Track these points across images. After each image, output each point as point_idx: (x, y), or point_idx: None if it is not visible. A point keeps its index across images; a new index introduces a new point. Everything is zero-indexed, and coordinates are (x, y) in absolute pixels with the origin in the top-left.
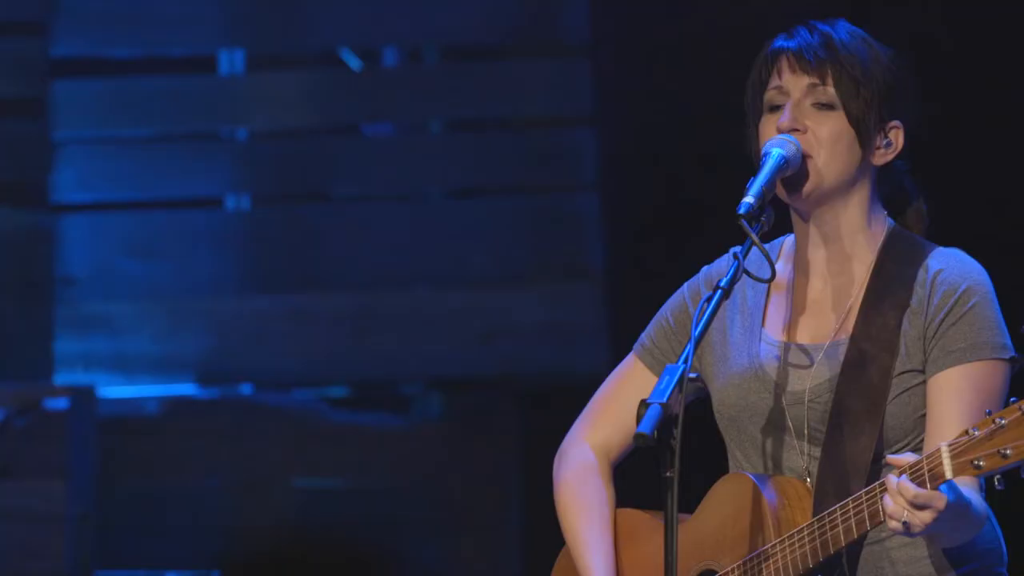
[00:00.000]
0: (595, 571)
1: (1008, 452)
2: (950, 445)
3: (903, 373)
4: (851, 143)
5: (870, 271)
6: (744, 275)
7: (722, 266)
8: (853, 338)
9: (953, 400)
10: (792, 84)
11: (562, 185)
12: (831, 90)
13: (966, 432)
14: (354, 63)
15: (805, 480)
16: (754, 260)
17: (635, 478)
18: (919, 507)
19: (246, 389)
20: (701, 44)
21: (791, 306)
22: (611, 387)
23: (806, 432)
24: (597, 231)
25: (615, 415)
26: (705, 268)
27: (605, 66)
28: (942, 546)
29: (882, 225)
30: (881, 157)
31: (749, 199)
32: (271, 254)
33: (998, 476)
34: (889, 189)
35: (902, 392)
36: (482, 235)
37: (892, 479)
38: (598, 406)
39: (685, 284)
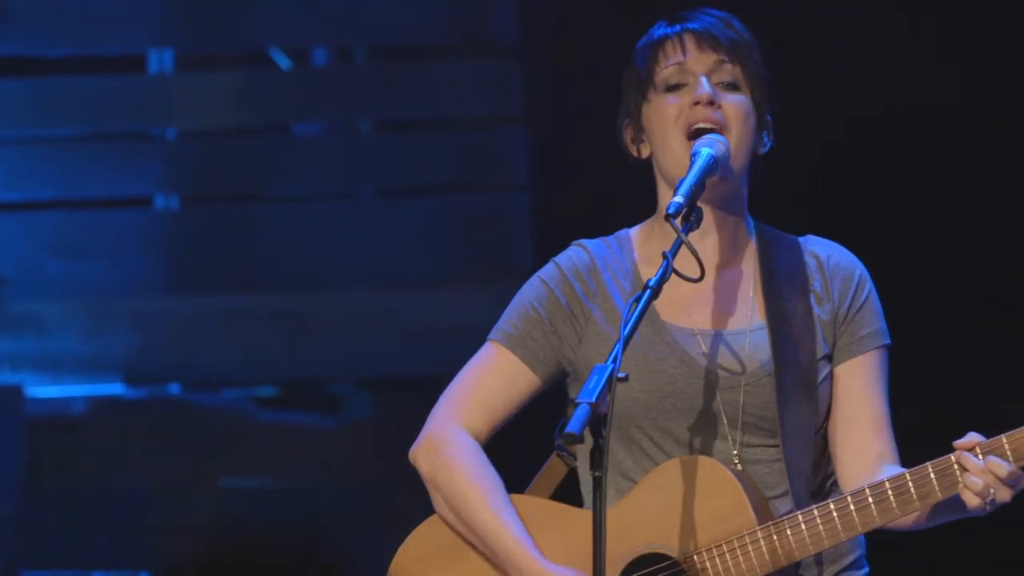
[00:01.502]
0: (525, 546)
1: None
2: None
3: (822, 359)
4: (754, 125)
5: (756, 259)
6: (673, 273)
7: (581, 258)
8: (771, 323)
9: (869, 384)
10: (697, 61)
11: (492, 185)
12: (738, 69)
13: None
14: (284, 63)
15: (735, 466)
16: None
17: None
18: (1009, 484)
19: (174, 389)
20: (630, 43)
21: (681, 295)
22: (477, 375)
23: (740, 418)
24: (527, 231)
25: (487, 404)
26: (560, 260)
27: (535, 66)
28: (933, 525)
29: (749, 217)
30: (761, 149)
31: (678, 199)
32: (200, 254)
33: None
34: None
35: (824, 377)
36: (412, 235)
37: (974, 458)
38: (467, 394)
39: (544, 276)
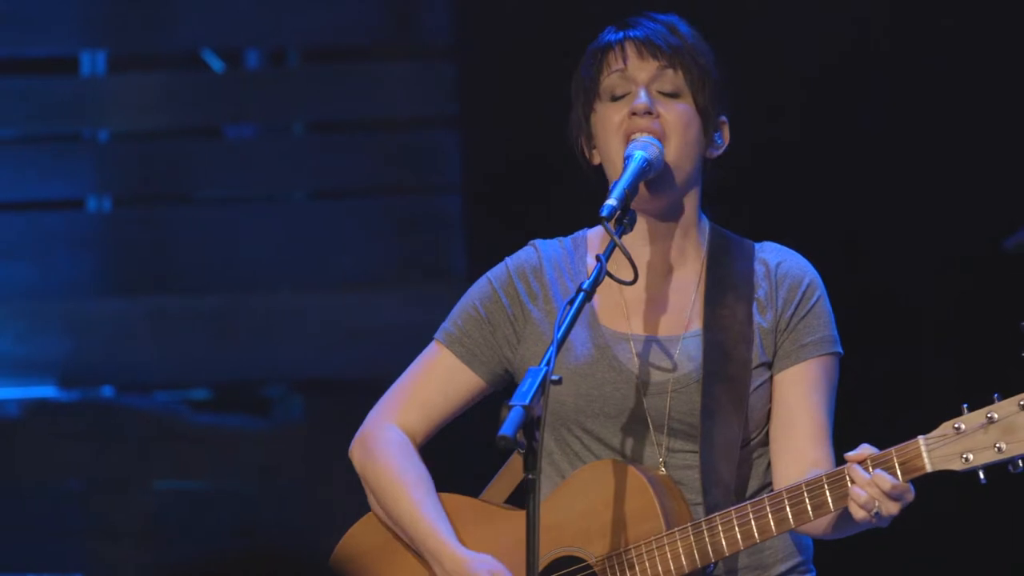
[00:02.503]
0: (445, 537)
1: (1002, 446)
2: (928, 439)
3: (759, 366)
4: (698, 132)
5: (704, 266)
6: (606, 275)
7: (530, 258)
8: (707, 330)
9: (809, 393)
10: (638, 70)
11: (425, 186)
12: (679, 76)
13: (951, 426)
14: (216, 65)
15: (662, 472)
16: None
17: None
18: (893, 498)
19: (107, 391)
20: (564, 45)
21: (624, 299)
22: (417, 375)
23: (666, 424)
24: (459, 232)
25: (423, 404)
26: (509, 260)
27: (468, 68)
28: (840, 536)
29: (704, 221)
30: (714, 152)
31: (612, 201)
32: (133, 256)
33: (982, 471)
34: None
35: (759, 385)
36: (345, 236)
37: (861, 470)
38: (404, 393)
39: (490, 274)
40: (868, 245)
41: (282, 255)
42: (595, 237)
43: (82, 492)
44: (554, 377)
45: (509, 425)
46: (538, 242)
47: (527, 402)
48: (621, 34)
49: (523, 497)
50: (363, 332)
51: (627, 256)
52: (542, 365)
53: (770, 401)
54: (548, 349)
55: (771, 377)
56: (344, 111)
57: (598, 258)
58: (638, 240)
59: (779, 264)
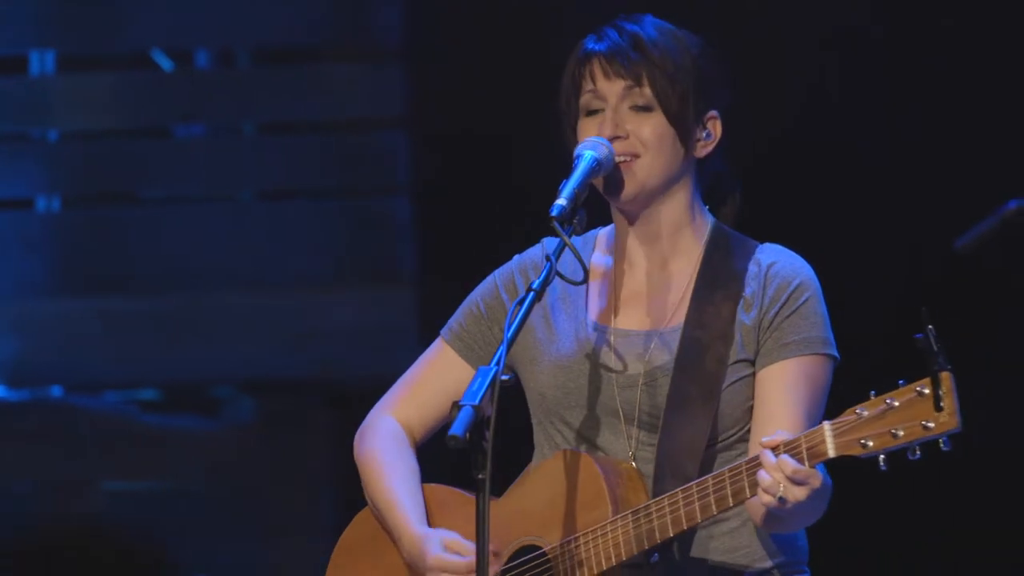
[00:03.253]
0: (411, 520)
1: (899, 432)
2: (833, 424)
3: (737, 362)
4: (673, 141)
5: (698, 264)
6: (556, 276)
7: (536, 255)
8: (687, 326)
9: (787, 391)
10: (607, 89)
11: (374, 188)
12: (647, 91)
13: (853, 412)
14: (166, 64)
15: (631, 463)
16: (567, 260)
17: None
18: (797, 483)
19: (56, 391)
20: (514, 48)
21: (616, 295)
22: (418, 370)
23: (637, 416)
24: (409, 234)
25: (421, 397)
26: (518, 257)
27: (418, 69)
28: (786, 530)
29: (705, 220)
30: (702, 149)
31: (561, 201)
32: (82, 256)
33: (883, 457)
34: (709, 181)
35: (736, 381)
36: (295, 237)
37: (769, 455)
38: (404, 387)
39: (497, 271)
40: (857, 247)
41: (231, 256)
42: (603, 235)
43: (30, 492)
44: (504, 376)
45: (459, 425)
46: (547, 239)
47: (477, 402)
48: (590, 49)
49: None
50: (312, 333)
51: (577, 256)
52: (492, 364)
53: (750, 399)
54: (499, 348)
55: (754, 375)
56: (294, 112)
57: (548, 258)
58: (631, 237)
59: (772, 264)
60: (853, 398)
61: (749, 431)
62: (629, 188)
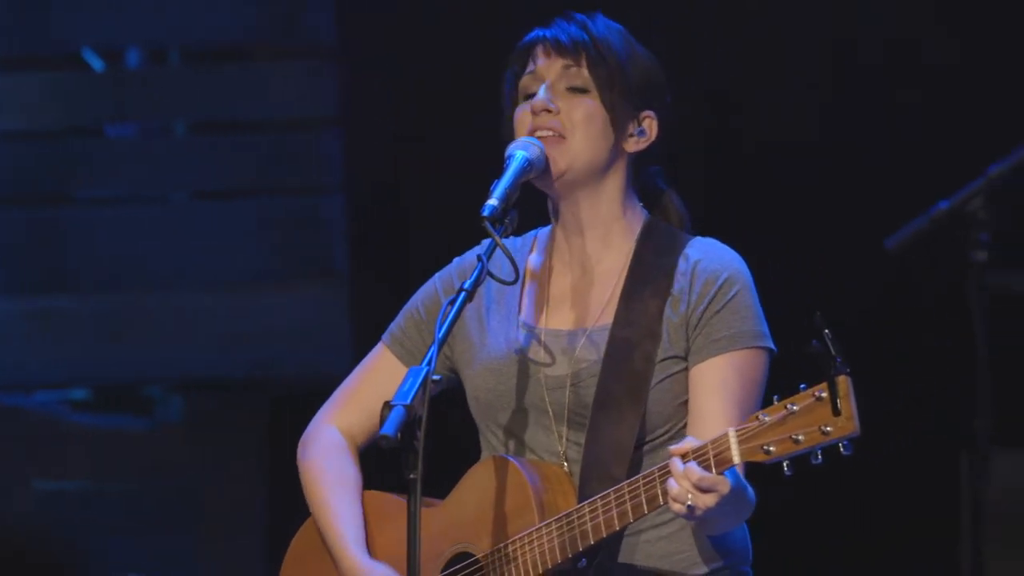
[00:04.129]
0: (347, 540)
1: (800, 438)
2: (738, 431)
3: (665, 359)
4: (604, 126)
5: (628, 260)
6: (488, 276)
7: (474, 258)
8: (615, 324)
9: (718, 388)
10: (547, 68)
11: (308, 187)
12: (585, 72)
13: (756, 417)
14: (97, 64)
15: (562, 465)
16: (499, 260)
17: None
18: (704, 490)
19: None
20: (448, 46)
21: (548, 294)
22: (360, 376)
23: (566, 416)
24: (342, 233)
25: (362, 403)
26: (457, 260)
27: (351, 68)
28: (712, 533)
29: (638, 216)
30: (634, 145)
31: (493, 201)
32: (13, 255)
33: (787, 462)
34: (644, 181)
35: (665, 378)
36: (227, 237)
37: (677, 463)
38: (345, 393)
39: (437, 275)
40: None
41: (164, 255)
42: (540, 237)
43: None
44: (435, 377)
45: (390, 425)
46: (488, 240)
47: (408, 401)
48: (534, 34)
49: None
50: (245, 333)
51: (508, 256)
52: (423, 364)
53: (682, 395)
54: (430, 348)
55: (685, 372)
56: (226, 111)
57: (479, 258)
58: (562, 234)
59: (699, 260)
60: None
61: (681, 429)
62: (558, 166)
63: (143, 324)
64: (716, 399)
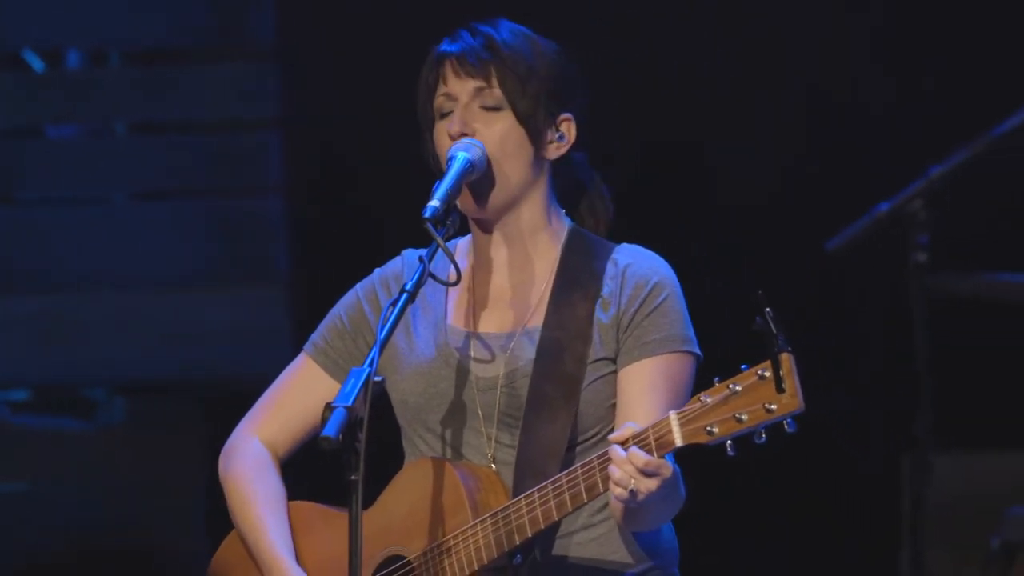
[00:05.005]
0: (277, 549)
1: (743, 417)
2: (679, 413)
3: (597, 361)
4: (521, 141)
5: (555, 266)
6: (429, 277)
7: (396, 267)
8: (546, 327)
9: (646, 390)
10: (458, 89)
11: (248, 188)
12: (497, 91)
13: (698, 399)
14: (37, 65)
15: (490, 467)
16: (438, 262)
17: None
18: (648, 475)
19: None
20: (388, 48)
21: (475, 299)
22: (282, 385)
23: (496, 418)
24: (282, 234)
25: (284, 414)
26: (378, 270)
27: (291, 69)
28: (642, 527)
29: (562, 223)
30: (555, 151)
31: (435, 203)
32: None
33: (730, 442)
34: (564, 183)
35: (596, 379)
36: (168, 238)
37: (618, 449)
38: (267, 404)
39: (358, 285)
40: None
41: (104, 256)
42: (463, 244)
43: None
44: (377, 378)
45: (331, 426)
46: (408, 251)
47: (350, 403)
48: (442, 51)
49: None
50: (185, 334)
51: (450, 257)
52: (364, 366)
53: (613, 397)
54: (371, 350)
55: (615, 374)
56: (166, 112)
57: (420, 259)
58: (488, 242)
59: (629, 264)
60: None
61: (612, 431)
62: (480, 197)
63: (83, 325)
64: (644, 401)
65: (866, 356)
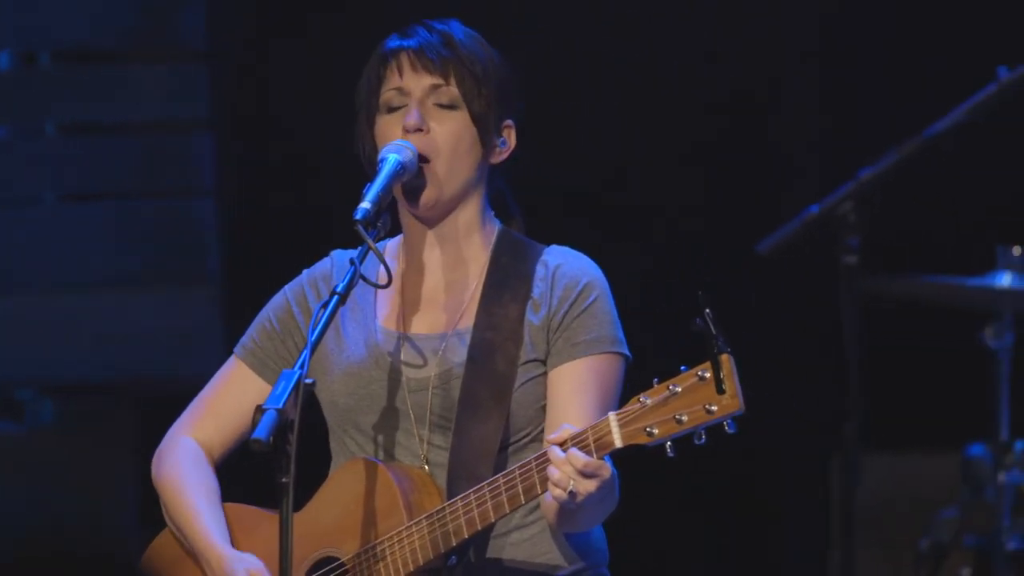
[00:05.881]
0: (213, 536)
1: (683, 418)
2: (619, 414)
3: (527, 362)
4: (473, 142)
5: (486, 268)
6: (360, 279)
7: (325, 268)
8: (476, 328)
9: (577, 391)
10: (414, 84)
11: (179, 190)
12: (453, 89)
13: (638, 400)
14: None
15: (423, 468)
16: (369, 264)
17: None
18: (587, 476)
19: None
20: (319, 48)
21: (406, 300)
22: (213, 388)
23: (428, 419)
24: (214, 236)
25: (216, 416)
26: (306, 271)
27: (222, 70)
28: (576, 528)
29: (493, 225)
30: (497, 156)
31: (366, 204)
32: None
33: (670, 443)
34: (495, 189)
35: (527, 381)
36: (99, 239)
37: (557, 450)
38: (200, 406)
39: (287, 286)
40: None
41: (33, 257)
42: (392, 245)
43: None
44: (307, 380)
45: (262, 428)
46: (337, 251)
47: (280, 405)
48: (397, 45)
49: None
50: (115, 336)
51: (381, 260)
52: (295, 368)
53: (543, 399)
54: (302, 352)
55: (546, 375)
56: (97, 113)
57: (351, 261)
58: (422, 242)
59: (559, 266)
60: None
61: (542, 432)
62: (427, 195)
63: (13, 326)
64: (574, 402)
65: (796, 357)
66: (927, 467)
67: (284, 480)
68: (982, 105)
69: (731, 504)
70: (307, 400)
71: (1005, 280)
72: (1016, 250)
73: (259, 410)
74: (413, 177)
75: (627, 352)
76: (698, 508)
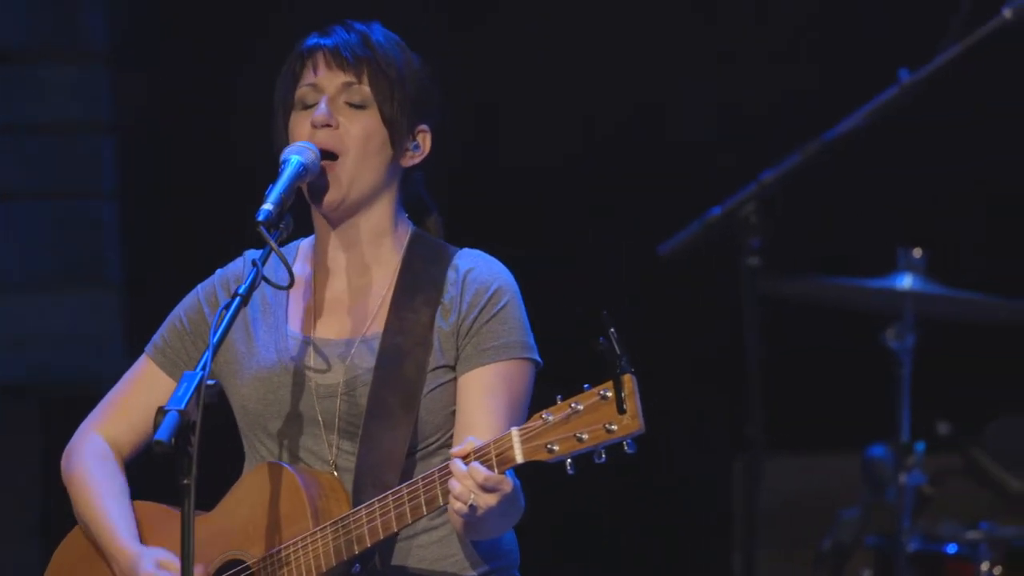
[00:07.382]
0: (121, 533)
1: (584, 436)
2: (521, 430)
3: (437, 368)
4: (383, 143)
5: (397, 271)
6: (262, 281)
7: (238, 268)
8: (386, 333)
9: (486, 397)
10: (327, 81)
11: (80, 191)
12: (366, 88)
13: (540, 416)
14: None
15: (332, 473)
16: (273, 265)
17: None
18: (488, 490)
19: None
20: (222, 50)
21: (317, 304)
22: (124, 387)
23: (337, 425)
24: (116, 238)
25: (126, 414)
26: (220, 270)
27: (124, 72)
28: (481, 537)
29: (406, 228)
30: (410, 159)
31: (268, 206)
32: None
33: (570, 461)
34: (410, 194)
35: (436, 387)
36: (2, 241)
37: (459, 463)
38: (110, 405)
39: (199, 286)
40: None
41: None
42: (305, 246)
43: None
44: (210, 382)
45: (164, 430)
46: (249, 251)
47: (182, 406)
48: (314, 43)
49: None
50: (17, 338)
51: (283, 261)
52: (197, 370)
53: (452, 405)
54: (204, 353)
55: (453, 380)
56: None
57: (254, 263)
58: (331, 245)
59: (470, 270)
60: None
61: (451, 437)
62: (333, 194)
63: None
64: (483, 408)
65: (698, 359)
66: (829, 468)
67: (185, 482)
68: (883, 107)
69: (633, 508)
70: (217, 400)
71: (906, 282)
72: (917, 252)
73: (161, 412)
74: (316, 178)
75: (537, 358)
76: (602, 511)
